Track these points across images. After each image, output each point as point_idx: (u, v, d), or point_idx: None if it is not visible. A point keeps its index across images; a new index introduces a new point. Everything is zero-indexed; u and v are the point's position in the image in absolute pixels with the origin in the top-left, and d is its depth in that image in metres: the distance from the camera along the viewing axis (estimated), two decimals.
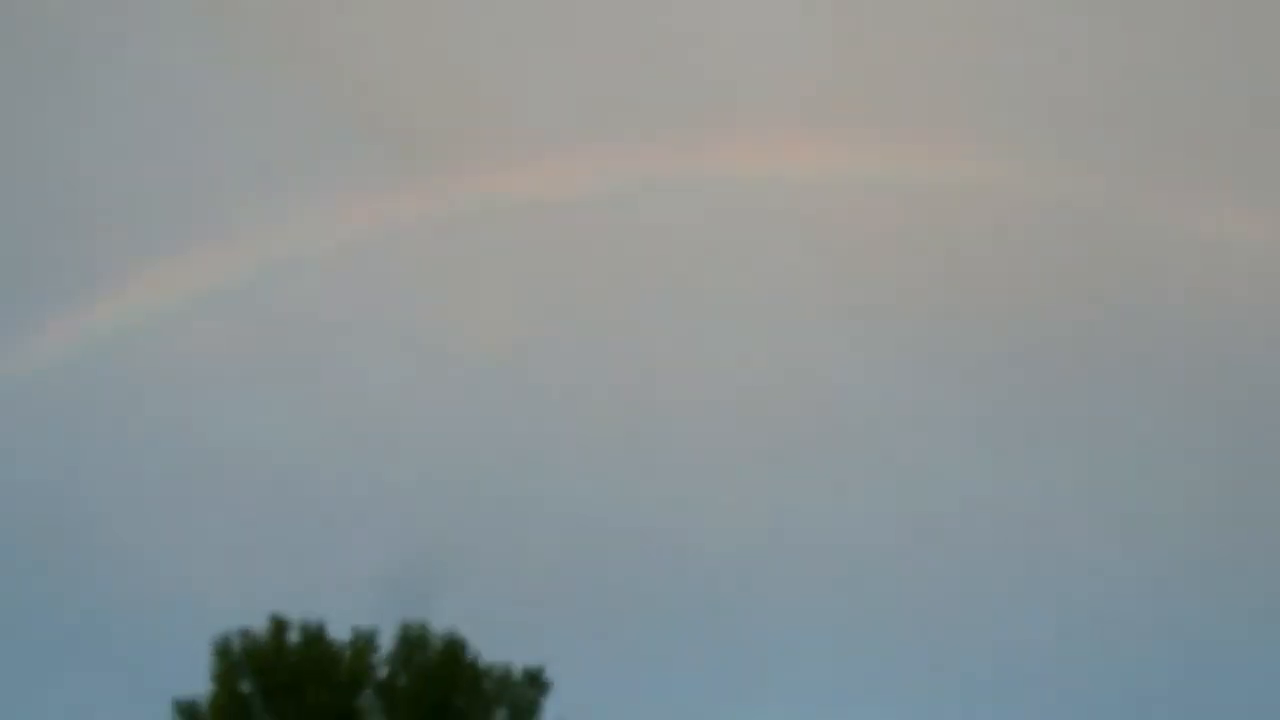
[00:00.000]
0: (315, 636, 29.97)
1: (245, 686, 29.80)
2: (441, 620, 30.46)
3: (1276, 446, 44.25)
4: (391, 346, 48.09)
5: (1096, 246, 43.94)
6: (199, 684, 29.82)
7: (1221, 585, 42.62)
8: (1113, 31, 43.90)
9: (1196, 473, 43.87)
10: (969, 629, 42.84)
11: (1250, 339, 44.34)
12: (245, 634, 29.94)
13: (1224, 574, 42.59)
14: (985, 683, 41.26)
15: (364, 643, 30.15)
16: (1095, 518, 44.32)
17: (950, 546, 44.24)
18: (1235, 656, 41.91)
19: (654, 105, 44.30)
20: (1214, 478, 43.92)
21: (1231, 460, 44.38)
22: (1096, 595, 42.78)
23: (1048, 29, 43.81)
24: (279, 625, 29.89)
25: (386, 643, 30.35)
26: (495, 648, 30.55)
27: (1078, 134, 43.62)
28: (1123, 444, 44.83)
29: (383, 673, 30.25)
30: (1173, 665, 41.58)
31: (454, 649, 30.19)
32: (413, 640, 30.26)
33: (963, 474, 45.05)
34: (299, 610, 30.21)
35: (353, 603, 32.29)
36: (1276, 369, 44.49)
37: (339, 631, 30.14)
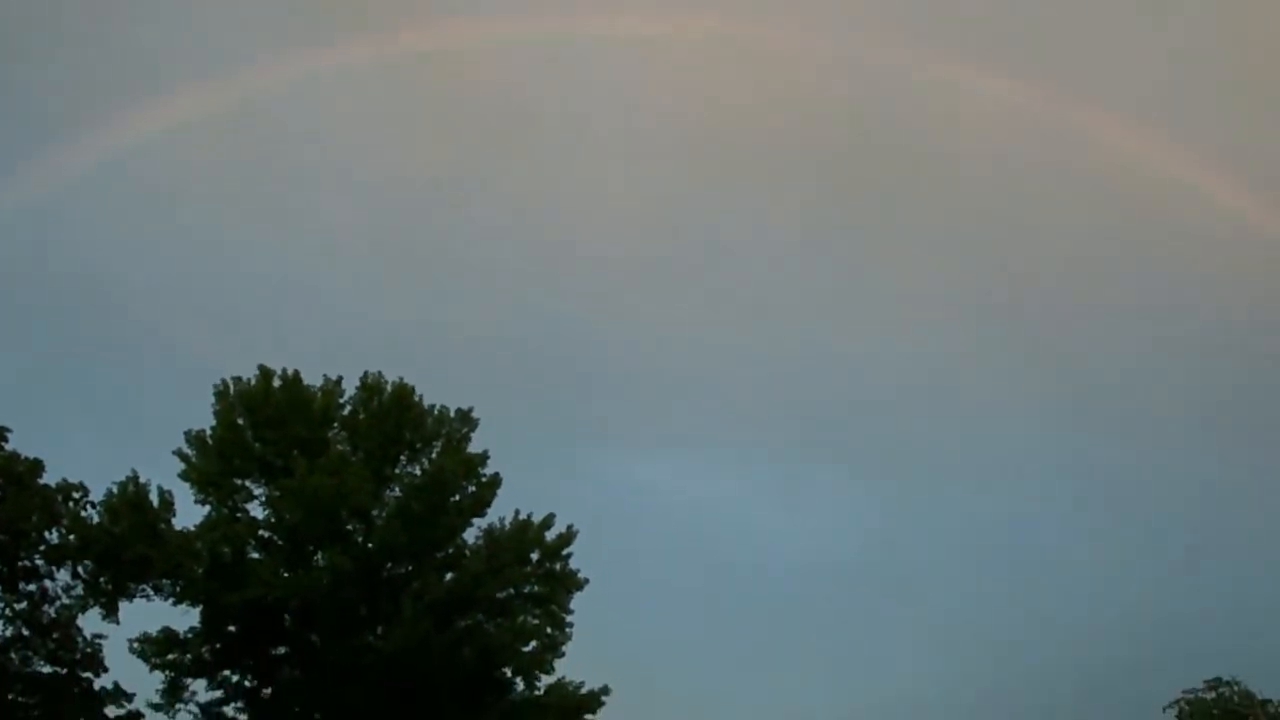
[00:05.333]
0: (294, 382, 35.68)
1: (240, 420, 35.59)
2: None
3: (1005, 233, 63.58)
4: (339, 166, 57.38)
5: (890, 102, 55.48)
6: (205, 420, 35.63)
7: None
8: None
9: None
10: None
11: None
12: (239, 380, 35.65)
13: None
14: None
15: (332, 387, 35.97)
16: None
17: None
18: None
19: None
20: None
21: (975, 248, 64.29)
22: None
23: None
24: (266, 373, 35.66)
25: (350, 387, 36.30)
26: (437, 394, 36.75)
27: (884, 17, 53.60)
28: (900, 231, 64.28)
29: (347, 411, 36.14)
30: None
31: (403, 392, 36.12)
32: (370, 386, 36.16)
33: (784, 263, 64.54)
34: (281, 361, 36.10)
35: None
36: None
37: (313, 378, 35.99)
